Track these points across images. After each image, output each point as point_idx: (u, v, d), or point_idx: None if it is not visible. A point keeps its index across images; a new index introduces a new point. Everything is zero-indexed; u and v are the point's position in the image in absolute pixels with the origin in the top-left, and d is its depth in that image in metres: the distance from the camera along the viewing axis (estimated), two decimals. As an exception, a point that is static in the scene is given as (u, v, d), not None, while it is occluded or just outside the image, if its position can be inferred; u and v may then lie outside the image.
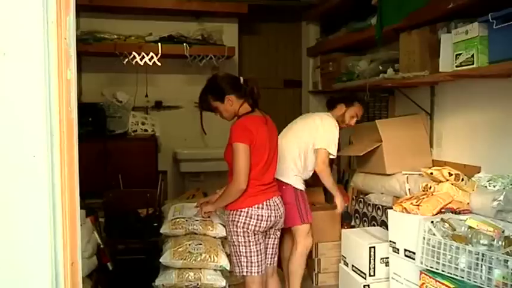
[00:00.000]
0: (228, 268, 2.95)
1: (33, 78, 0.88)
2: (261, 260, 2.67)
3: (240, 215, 2.60)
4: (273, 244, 2.82)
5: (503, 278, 2.02)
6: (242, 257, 2.67)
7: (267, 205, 2.63)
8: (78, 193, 1.03)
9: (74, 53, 1.00)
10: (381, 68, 3.67)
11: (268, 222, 2.64)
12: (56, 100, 0.91)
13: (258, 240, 2.66)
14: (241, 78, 2.76)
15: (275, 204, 2.68)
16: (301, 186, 3.28)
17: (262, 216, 2.61)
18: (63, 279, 0.93)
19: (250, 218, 2.60)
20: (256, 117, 2.67)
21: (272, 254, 2.83)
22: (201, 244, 2.94)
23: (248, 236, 2.63)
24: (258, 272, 2.66)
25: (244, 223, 2.61)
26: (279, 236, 2.84)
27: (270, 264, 2.83)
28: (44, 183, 0.91)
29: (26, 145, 0.90)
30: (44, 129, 0.90)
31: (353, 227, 4.02)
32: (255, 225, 2.61)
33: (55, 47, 0.90)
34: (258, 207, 2.61)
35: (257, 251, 2.66)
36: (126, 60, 4.50)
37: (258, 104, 2.74)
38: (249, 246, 2.65)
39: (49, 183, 0.91)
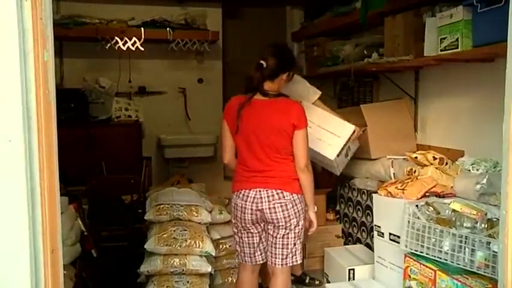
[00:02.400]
0: (213, 254, 2.95)
1: (8, 59, 0.85)
2: (252, 253, 2.60)
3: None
4: (272, 242, 2.54)
5: (485, 259, 2.05)
6: (237, 245, 2.67)
7: (243, 195, 2.50)
8: (57, 179, 1.00)
9: (51, 34, 0.96)
10: (365, 52, 3.66)
11: (245, 214, 2.50)
12: (33, 82, 0.88)
13: (240, 231, 2.58)
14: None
15: (255, 197, 2.47)
16: None
17: (236, 205, 2.53)
18: (42, 267, 0.91)
19: (232, 205, 2.59)
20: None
21: (272, 253, 2.54)
22: (186, 230, 2.93)
23: (234, 224, 2.62)
24: (251, 262, 2.63)
25: (231, 209, 2.62)
26: (278, 236, 2.51)
27: (272, 263, 2.56)
28: (21, 169, 0.88)
29: (1, 129, 0.87)
30: (20, 112, 0.86)
31: (338, 212, 4.04)
32: (232, 214, 2.60)
33: (30, 27, 0.87)
34: (235, 195, 2.55)
35: (242, 242, 2.59)
36: (109, 45, 4.41)
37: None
38: (235, 234, 2.65)
39: (26, 169, 0.88)
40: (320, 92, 3.25)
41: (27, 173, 0.89)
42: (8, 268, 0.89)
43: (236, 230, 2.62)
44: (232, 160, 2.62)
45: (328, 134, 3.06)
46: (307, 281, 3.53)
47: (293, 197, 2.46)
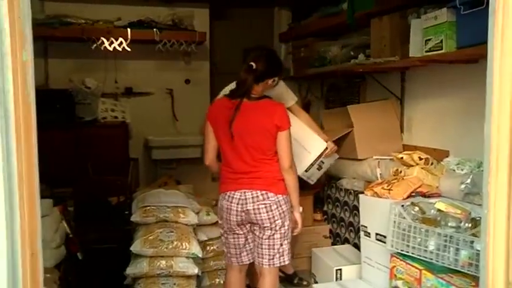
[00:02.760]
0: (200, 255, 2.94)
1: (-16, 59, 0.83)
2: (239, 254, 2.60)
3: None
4: (258, 243, 2.54)
5: (469, 258, 2.06)
6: (224, 246, 2.68)
7: (228, 196, 2.51)
8: (37, 181, 0.99)
9: (30, 33, 0.95)
10: (352, 53, 3.68)
11: (231, 216, 2.50)
12: (10, 83, 0.86)
13: (226, 232, 2.59)
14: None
15: (240, 198, 2.47)
16: None
17: (222, 206, 2.54)
18: (21, 271, 0.89)
19: (218, 206, 2.60)
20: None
21: (259, 253, 2.55)
22: (172, 232, 2.92)
23: (220, 225, 2.63)
24: (237, 263, 2.64)
25: (218, 210, 2.62)
26: (264, 236, 2.51)
27: (259, 264, 2.57)
28: (-1, 171, 0.86)
29: (-23, 130, 0.85)
30: (-3, 113, 0.85)
31: (326, 212, 4.05)
32: (218, 215, 2.61)
33: (7, 26, 0.85)
34: (221, 197, 2.56)
35: (228, 243, 2.60)
36: (95, 45, 4.38)
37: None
38: (222, 235, 2.65)
39: (3, 171, 0.87)
40: (296, 98, 3.25)
41: (5, 175, 0.87)
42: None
43: (222, 231, 2.62)
44: (214, 162, 2.63)
45: (300, 147, 3.03)
46: (295, 281, 3.54)
47: (278, 198, 2.47)
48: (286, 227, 2.52)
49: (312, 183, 3.28)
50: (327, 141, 3.09)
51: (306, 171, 3.07)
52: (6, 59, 0.86)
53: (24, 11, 0.90)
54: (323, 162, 3.15)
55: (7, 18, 0.85)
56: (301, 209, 2.61)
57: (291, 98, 3.19)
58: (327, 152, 3.08)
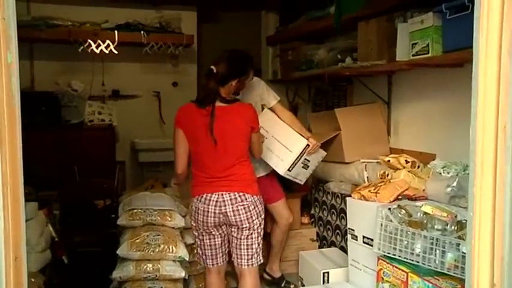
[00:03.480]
0: (186, 258, 2.93)
1: (-33, 61, 0.82)
2: (214, 255, 2.63)
3: (191, 205, 2.61)
4: (236, 244, 2.59)
5: (455, 260, 2.07)
6: (198, 248, 2.68)
7: (205, 199, 2.51)
8: (22, 184, 0.98)
9: (15, 35, 0.93)
10: (339, 56, 3.69)
11: (208, 218, 2.52)
12: (-6, 84, 0.85)
13: (201, 233, 2.60)
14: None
15: (218, 200, 2.50)
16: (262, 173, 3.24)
17: (198, 209, 2.54)
18: (4, 275, 0.88)
19: (193, 209, 2.60)
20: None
21: (238, 254, 2.60)
22: (159, 235, 2.90)
23: (195, 227, 2.63)
24: (212, 265, 2.66)
25: (191, 213, 2.63)
26: (242, 237, 2.56)
27: (238, 265, 2.62)
28: (-18, 174, 0.85)
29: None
30: (-19, 115, 0.84)
31: (313, 215, 4.05)
32: (193, 217, 2.60)
33: (-8, 27, 0.84)
34: (196, 199, 2.56)
35: (204, 244, 2.62)
36: (82, 47, 4.35)
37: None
38: (197, 237, 2.66)
39: (-13, 173, 0.86)
40: (279, 98, 3.25)
41: (-12, 178, 0.86)
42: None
43: (197, 234, 2.64)
44: (186, 169, 2.62)
45: (281, 146, 3.04)
46: (282, 284, 3.54)
47: (254, 199, 2.54)
48: (262, 226, 2.61)
49: (301, 183, 3.28)
50: (308, 139, 3.09)
51: (289, 170, 3.06)
52: (-10, 60, 0.85)
53: (8, 12, 0.89)
54: (308, 160, 3.13)
55: (-9, 19, 0.84)
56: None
57: (272, 98, 3.19)
58: (309, 149, 3.07)
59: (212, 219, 2.52)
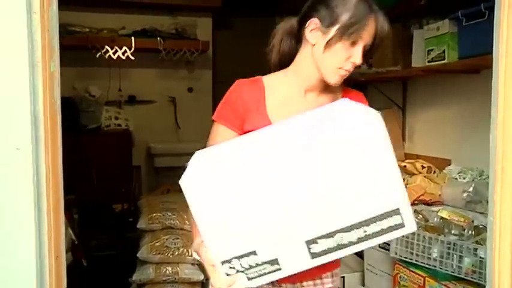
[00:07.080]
0: (205, 262, 2.96)
1: (18, 70, 0.87)
2: None
3: None
4: None
5: (473, 265, 2.09)
6: None
7: None
8: (62, 186, 1.03)
9: (57, 45, 0.99)
10: (354, 62, 3.71)
11: None
12: (40, 92, 0.90)
13: None
14: None
15: None
16: None
17: None
18: (48, 273, 0.93)
19: None
20: None
21: None
22: (178, 238, 2.94)
23: None
24: None
25: None
26: None
27: None
28: (29, 176, 0.90)
29: (10, 138, 0.89)
30: (28, 120, 0.89)
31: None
32: None
33: (39, 38, 0.90)
34: None
35: None
36: (99, 54, 4.43)
37: None
38: None
39: (33, 176, 0.90)
40: None
41: (34, 180, 0.91)
42: (15, 273, 0.91)
43: None
44: None
45: None
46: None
47: None
48: None
49: None
50: None
51: None
52: (36, 69, 0.90)
53: (52, 23, 0.94)
54: None
55: (39, 30, 0.89)
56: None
57: None
58: None
59: None
